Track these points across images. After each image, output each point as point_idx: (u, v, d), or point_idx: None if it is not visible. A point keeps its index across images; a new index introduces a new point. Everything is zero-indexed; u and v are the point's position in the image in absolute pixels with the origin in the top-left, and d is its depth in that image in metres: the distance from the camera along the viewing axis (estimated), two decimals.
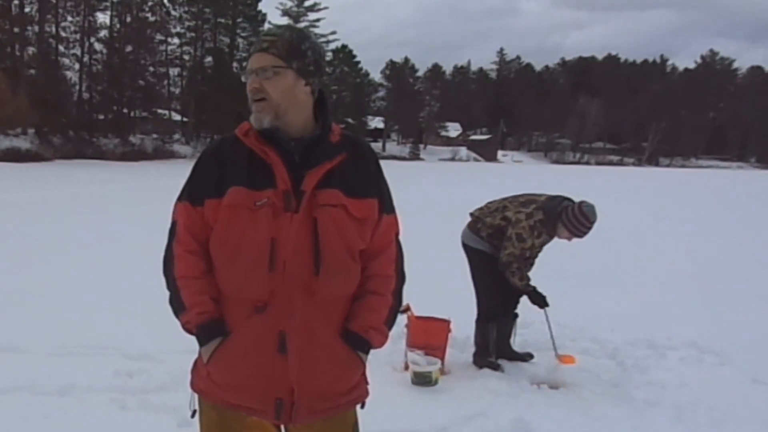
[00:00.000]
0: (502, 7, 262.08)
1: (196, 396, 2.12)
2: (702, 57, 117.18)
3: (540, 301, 4.79)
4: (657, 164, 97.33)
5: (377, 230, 2.06)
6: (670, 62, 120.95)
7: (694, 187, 35.29)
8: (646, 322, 6.24)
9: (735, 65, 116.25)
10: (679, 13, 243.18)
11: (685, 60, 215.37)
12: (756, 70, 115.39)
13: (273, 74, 1.94)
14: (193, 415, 2.15)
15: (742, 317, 6.75)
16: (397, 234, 2.15)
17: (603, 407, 4.22)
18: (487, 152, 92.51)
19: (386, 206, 2.09)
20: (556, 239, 4.83)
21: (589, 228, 4.64)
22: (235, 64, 60.83)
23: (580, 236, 4.68)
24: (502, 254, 4.69)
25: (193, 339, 2.05)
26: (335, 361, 2.00)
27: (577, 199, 4.78)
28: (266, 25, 57.63)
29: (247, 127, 2.01)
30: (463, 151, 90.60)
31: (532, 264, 4.95)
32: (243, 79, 2.01)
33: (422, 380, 4.44)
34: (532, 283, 4.81)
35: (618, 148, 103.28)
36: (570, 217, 4.61)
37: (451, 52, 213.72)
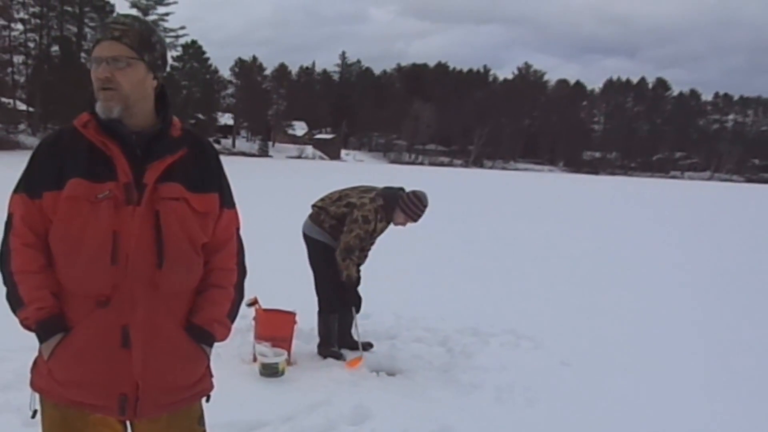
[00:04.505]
0: (353, 14, 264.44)
1: (36, 395, 1.97)
2: (518, 69, 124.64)
3: (356, 300, 4.91)
4: (481, 166, 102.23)
5: (218, 224, 2.00)
6: (492, 72, 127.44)
7: (514, 188, 37.48)
8: (472, 311, 6.52)
9: (546, 77, 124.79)
10: (508, 29, 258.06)
11: (507, 72, 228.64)
12: (562, 83, 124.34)
13: (126, 65, 1.83)
14: (33, 415, 1.99)
15: (552, 306, 7.21)
16: (237, 228, 2.10)
17: (434, 391, 4.37)
18: (331, 151, 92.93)
19: (227, 201, 2.04)
20: (391, 227, 5.00)
21: (423, 211, 4.90)
22: (82, 54, 56.96)
23: (415, 219, 4.90)
24: (348, 237, 4.72)
25: (33, 336, 1.90)
26: (179, 354, 1.93)
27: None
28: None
29: (86, 118, 1.88)
30: (309, 149, 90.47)
31: (366, 255, 5.05)
32: (89, 65, 1.87)
33: (269, 371, 4.40)
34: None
35: (448, 150, 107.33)
36: (407, 202, 4.83)
37: (305, 53, 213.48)
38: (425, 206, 4.89)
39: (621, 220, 19.20)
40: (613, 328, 6.37)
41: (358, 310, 4.96)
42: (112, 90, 1.83)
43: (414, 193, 4.90)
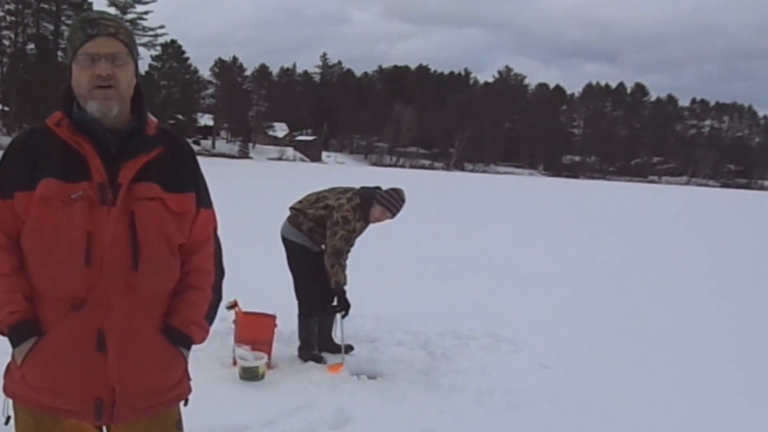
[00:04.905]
0: (335, 15, 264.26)
1: (10, 401, 1.93)
2: (499, 72, 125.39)
3: (346, 306, 4.87)
4: (462, 169, 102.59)
5: (195, 225, 1.96)
6: (473, 75, 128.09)
7: (494, 191, 37.64)
8: (452, 314, 6.51)
9: (526, 81, 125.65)
10: (490, 32, 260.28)
11: (488, 75, 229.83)
12: (542, 87, 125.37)
13: (124, 63, 1.81)
14: (7, 422, 1.95)
15: (532, 309, 7.22)
16: (215, 229, 2.07)
17: (415, 394, 4.36)
18: (312, 153, 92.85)
19: (204, 200, 2.00)
20: (369, 228, 4.99)
21: (401, 205, 4.90)
22: (59, 53, 56.31)
23: (393, 213, 4.89)
24: (333, 240, 4.71)
25: (6, 340, 1.86)
26: (156, 357, 1.90)
27: None
28: None
29: (58, 116, 1.83)
30: (290, 151, 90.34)
31: (346, 258, 5.02)
32: (84, 63, 1.79)
33: (250, 375, 4.36)
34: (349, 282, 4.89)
35: (429, 153, 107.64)
36: (385, 195, 4.86)
37: (286, 54, 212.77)
38: (403, 200, 4.91)
39: (602, 222, 19.36)
40: (593, 331, 6.41)
41: (345, 315, 4.91)
42: (112, 88, 1.78)
43: (392, 188, 4.95)
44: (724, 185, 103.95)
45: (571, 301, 7.78)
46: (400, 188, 4.94)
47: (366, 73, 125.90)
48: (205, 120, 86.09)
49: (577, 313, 7.15)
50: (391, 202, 4.85)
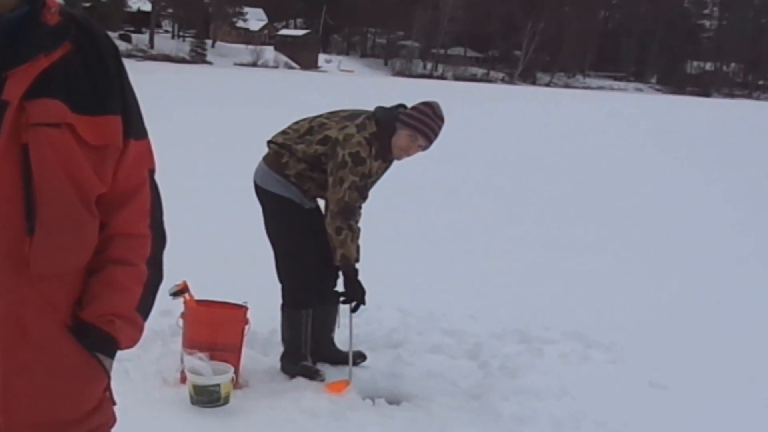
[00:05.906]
0: None
1: None
2: None
3: (359, 292, 4.85)
4: (534, 82, 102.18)
5: (122, 164, 1.94)
6: None
7: (582, 117, 37.41)
8: (516, 306, 6.51)
9: None
10: None
11: None
12: None
13: None
14: None
15: (638, 300, 7.23)
16: (151, 171, 2.06)
17: (459, 427, 4.38)
18: (304, 56, 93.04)
19: (134, 127, 1.97)
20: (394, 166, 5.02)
21: (438, 125, 4.82)
22: None
23: (427, 137, 4.80)
24: (339, 192, 4.67)
25: None
26: (62, 370, 1.90)
27: None
28: None
29: None
30: (270, 52, 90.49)
31: (358, 219, 4.99)
32: None
33: (207, 397, 4.38)
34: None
35: (483, 57, 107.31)
36: (412, 113, 4.80)
37: None
38: (441, 118, 4.84)
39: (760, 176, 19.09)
40: (731, 335, 6.39)
41: (355, 309, 4.92)
42: None
43: (421, 102, 4.88)
44: None
45: (698, 290, 7.79)
46: (433, 101, 4.89)
47: None
48: (140, 3, 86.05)
49: (707, 309, 7.14)
50: (423, 120, 4.77)
